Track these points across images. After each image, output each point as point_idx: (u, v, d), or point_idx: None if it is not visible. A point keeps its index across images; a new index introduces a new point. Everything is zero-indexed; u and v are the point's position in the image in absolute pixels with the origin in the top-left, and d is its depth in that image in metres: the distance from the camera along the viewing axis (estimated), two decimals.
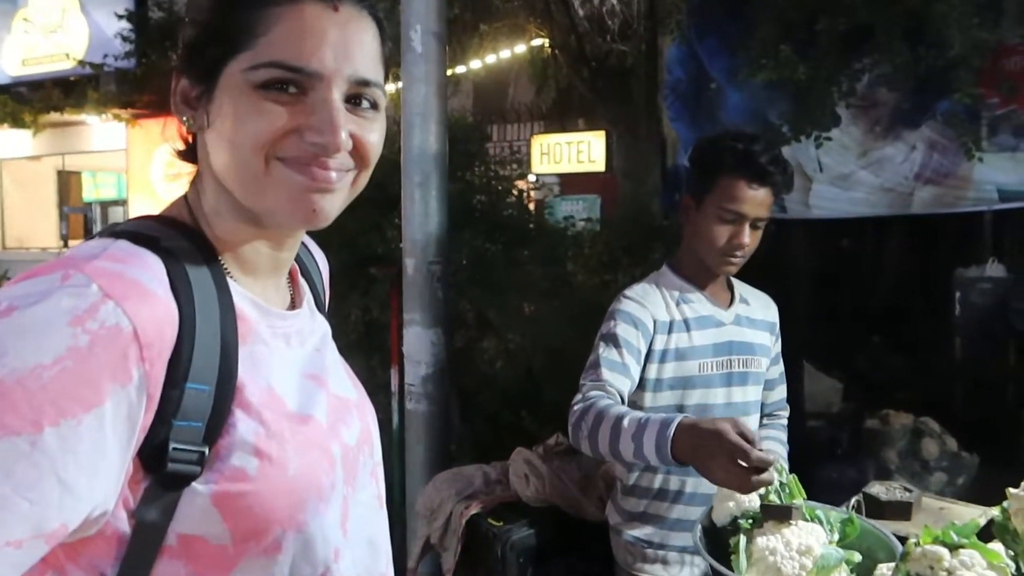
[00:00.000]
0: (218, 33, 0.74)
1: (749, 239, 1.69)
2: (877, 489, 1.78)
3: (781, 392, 1.94)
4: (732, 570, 1.21)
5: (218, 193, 0.79)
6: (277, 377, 0.79)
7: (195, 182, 0.82)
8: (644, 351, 1.68)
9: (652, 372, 1.72)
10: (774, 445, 1.84)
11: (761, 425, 1.90)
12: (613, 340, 1.65)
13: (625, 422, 1.41)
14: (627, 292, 1.76)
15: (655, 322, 1.71)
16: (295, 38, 0.72)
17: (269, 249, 0.83)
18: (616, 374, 1.60)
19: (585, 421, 1.49)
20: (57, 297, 0.65)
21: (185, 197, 0.82)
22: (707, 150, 1.74)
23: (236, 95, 0.73)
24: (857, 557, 1.21)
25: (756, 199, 1.66)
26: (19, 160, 12.13)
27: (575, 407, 1.54)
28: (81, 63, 5.79)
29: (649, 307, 1.71)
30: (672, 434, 1.30)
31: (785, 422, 1.94)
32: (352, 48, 0.74)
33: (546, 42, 5.65)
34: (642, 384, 1.72)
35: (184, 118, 0.78)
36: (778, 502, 1.29)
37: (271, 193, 0.75)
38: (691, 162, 1.79)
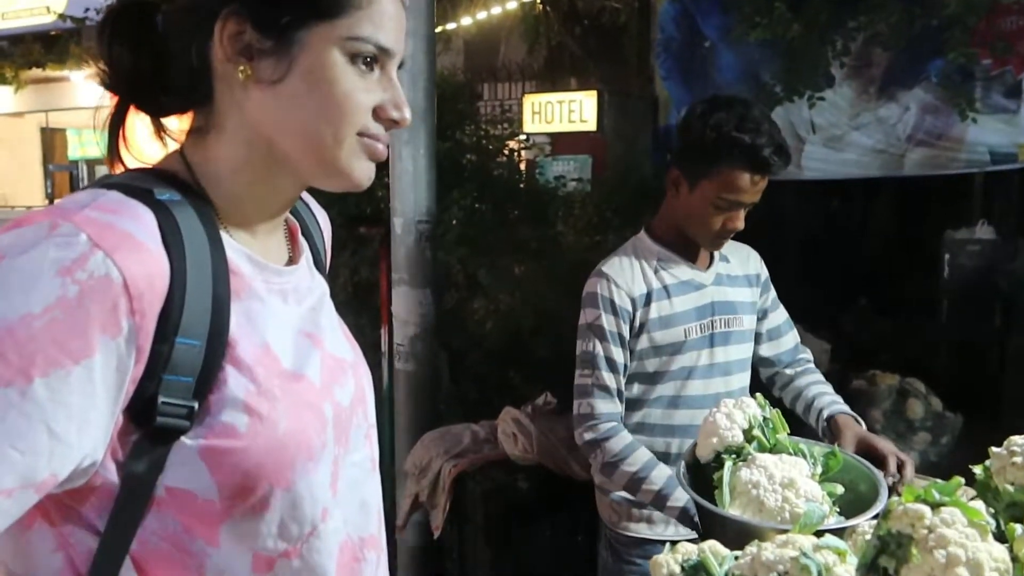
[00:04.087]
0: None
1: (742, 223, 1.66)
2: None
3: (793, 338, 1.90)
4: (716, 504, 1.22)
5: (249, 146, 0.78)
6: (273, 334, 0.78)
7: (200, 134, 0.79)
8: (628, 335, 1.71)
9: (638, 343, 1.72)
10: (825, 389, 1.81)
11: (793, 377, 1.87)
12: (600, 333, 1.70)
13: (644, 484, 1.63)
14: (604, 268, 1.73)
15: (632, 300, 1.70)
16: (387, 19, 0.76)
17: (277, 205, 0.83)
18: (613, 373, 1.70)
19: (601, 451, 1.68)
20: (45, 247, 0.64)
21: (181, 151, 0.80)
22: (708, 136, 1.60)
23: (328, 61, 0.74)
24: (839, 489, 1.23)
25: (756, 188, 1.62)
26: (1, 117, 11.94)
27: (588, 433, 1.70)
28: (62, 17, 5.65)
29: (624, 287, 1.70)
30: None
31: (812, 365, 1.90)
32: (403, 32, 0.80)
33: None
34: (630, 353, 1.73)
35: (240, 68, 0.74)
36: (762, 437, 1.30)
37: (343, 161, 0.77)
38: (687, 142, 1.67)
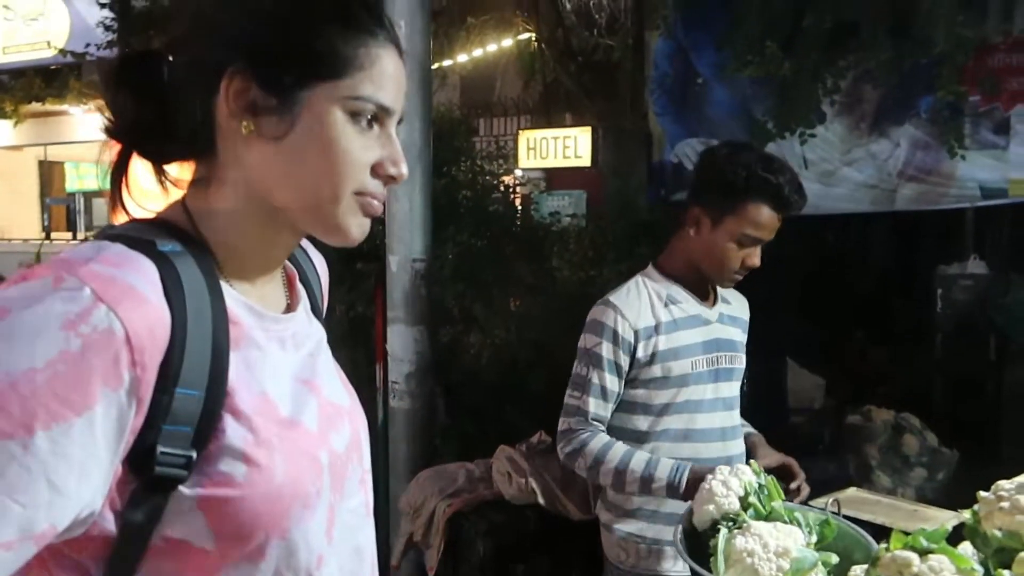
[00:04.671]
0: (315, 54, 0.76)
1: (759, 260, 1.73)
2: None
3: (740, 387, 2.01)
4: (711, 571, 1.22)
5: (249, 199, 0.79)
6: (271, 382, 0.78)
7: (201, 185, 0.80)
8: (627, 366, 1.75)
9: (649, 373, 1.75)
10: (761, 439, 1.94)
11: None
12: (597, 361, 1.74)
13: (628, 474, 1.69)
14: (611, 298, 1.77)
15: (636, 332, 1.73)
16: (387, 80, 0.79)
17: (276, 254, 0.84)
18: (601, 401, 1.75)
19: (583, 457, 1.73)
20: (50, 301, 0.65)
21: (183, 201, 0.81)
22: (738, 174, 1.67)
23: (330, 119, 0.76)
24: (834, 559, 1.22)
25: (776, 225, 1.70)
26: (0, 150, 12.00)
27: (568, 445, 1.75)
28: (63, 52, 5.70)
29: (630, 317, 1.74)
30: (684, 483, 1.61)
31: None
32: (403, 90, 0.83)
33: (533, 36, 5.63)
34: (635, 383, 1.76)
35: (243, 123, 0.76)
36: (758, 503, 1.30)
37: (340, 218, 0.79)
38: (712, 180, 1.73)
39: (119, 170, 0.81)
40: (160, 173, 0.82)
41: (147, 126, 0.78)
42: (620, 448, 1.71)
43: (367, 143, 0.79)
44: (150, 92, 0.77)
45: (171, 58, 0.78)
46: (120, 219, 0.81)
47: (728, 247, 1.70)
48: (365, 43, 0.77)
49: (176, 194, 0.82)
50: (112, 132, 0.79)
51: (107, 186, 0.81)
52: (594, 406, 1.74)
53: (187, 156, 0.81)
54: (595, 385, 1.74)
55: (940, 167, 3.53)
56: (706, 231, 1.72)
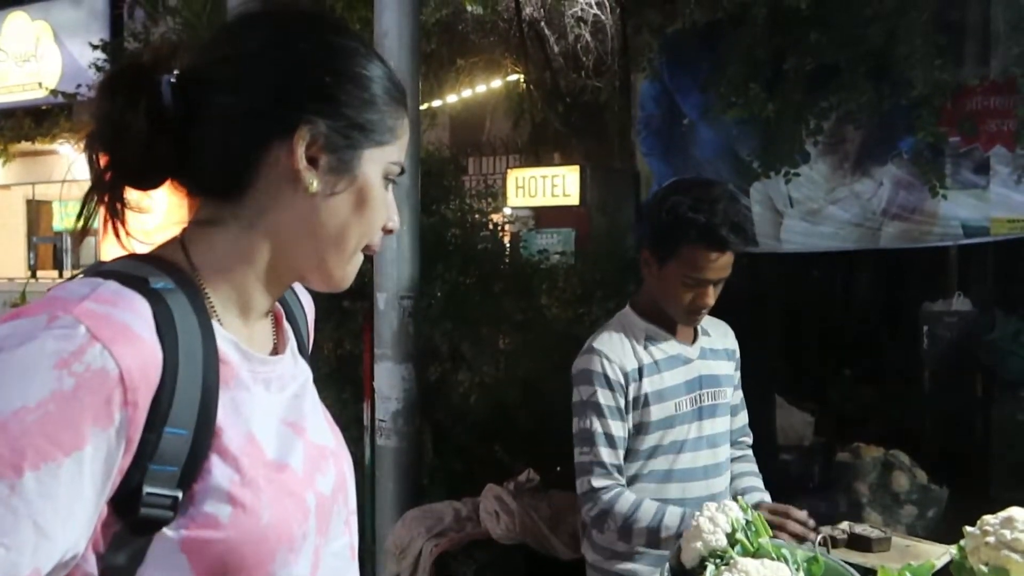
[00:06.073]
0: (376, 121, 0.81)
1: (712, 298, 1.71)
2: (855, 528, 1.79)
3: (744, 418, 1.96)
4: None
5: (276, 245, 0.80)
6: (257, 423, 0.78)
7: (211, 225, 0.80)
8: (624, 408, 1.72)
9: (635, 418, 1.73)
10: (754, 480, 1.89)
11: (733, 459, 1.92)
12: (598, 410, 1.70)
13: (661, 533, 1.63)
14: (595, 345, 1.75)
15: (625, 375, 1.72)
16: (405, 146, 0.87)
17: (270, 297, 0.85)
18: (612, 449, 1.70)
19: (612, 519, 1.67)
20: (43, 339, 0.64)
21: (182, 239, 0.80)
22: (666, 218, 1.67)
23: (375, 181, 0.82)
24: None
25: (719, 264, 1.67)
26: None
27: (594, 508, 1.69)
28: (54, 92, 5.73)
29: (617, 361, 1.72)
30: None
31: (750, 451, 1.98)
32: None
33: (522, 77, 5.72)
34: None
35: (311, 179, 0.78)
36: (746, 540, 1.29)
37: (346, 269, 0.84)
38: (650, 224, 1.74)
39: (112, 195, 0.78)
40: (116, 200, 0.78)
41: (145, 148, 0.75)
42: (650, 507, 1.66)
43: (386, 201, 0.84)
44: (157, 112, 0.75)
45: (224, 96, 0.77)
46: (107, 250, 0.80)
47: (677, 289, 1.68)
48: (400, 116, 0.84)
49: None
50: (110, 150, 0.76)
51: (96, 218, 0.78)
52: (607, 456, 1.69)
53: (201, 192, 0.80)
54: (601, 434, 1.69)
55: (923, 206, 3.58)
56: (656, 273, 1.72)
